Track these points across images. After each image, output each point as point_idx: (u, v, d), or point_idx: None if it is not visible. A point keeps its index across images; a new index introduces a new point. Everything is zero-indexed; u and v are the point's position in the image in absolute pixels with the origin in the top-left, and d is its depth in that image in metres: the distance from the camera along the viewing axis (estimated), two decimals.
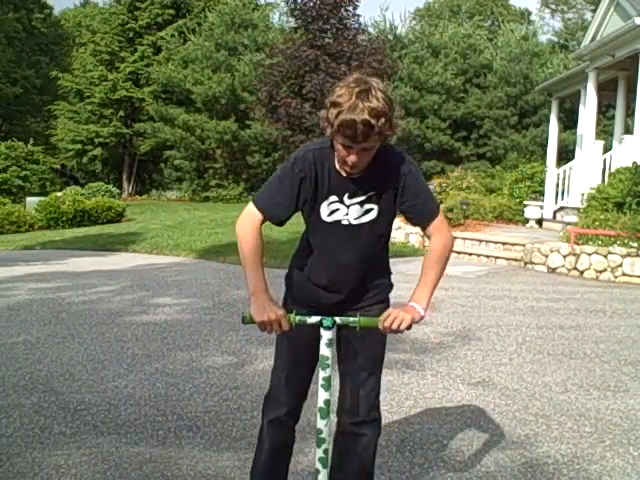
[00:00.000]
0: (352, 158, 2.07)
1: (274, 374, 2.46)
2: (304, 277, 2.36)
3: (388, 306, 2.38)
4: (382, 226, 2.29)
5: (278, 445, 2.45)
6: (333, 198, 2.21)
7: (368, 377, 2.37)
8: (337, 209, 2.22)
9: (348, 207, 2.22)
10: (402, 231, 12.53)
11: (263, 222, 2.24)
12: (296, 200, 2.21)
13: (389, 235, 2.38)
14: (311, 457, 3.16)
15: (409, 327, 2.13)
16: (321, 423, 2.14)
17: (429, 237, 2.30)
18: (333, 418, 2.30)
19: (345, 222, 2.23)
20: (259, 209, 2.23)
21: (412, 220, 2.30)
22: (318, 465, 2.15)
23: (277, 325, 2.10)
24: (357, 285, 2.32)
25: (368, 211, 2.23)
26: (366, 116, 1.97)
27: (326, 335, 2.15)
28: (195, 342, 5.41)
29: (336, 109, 2.01)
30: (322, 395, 2.14)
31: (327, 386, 2.13)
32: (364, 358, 2.36)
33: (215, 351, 5.15)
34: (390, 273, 2.46)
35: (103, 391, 4.17)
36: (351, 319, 2.18)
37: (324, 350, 2.15)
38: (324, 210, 2.23)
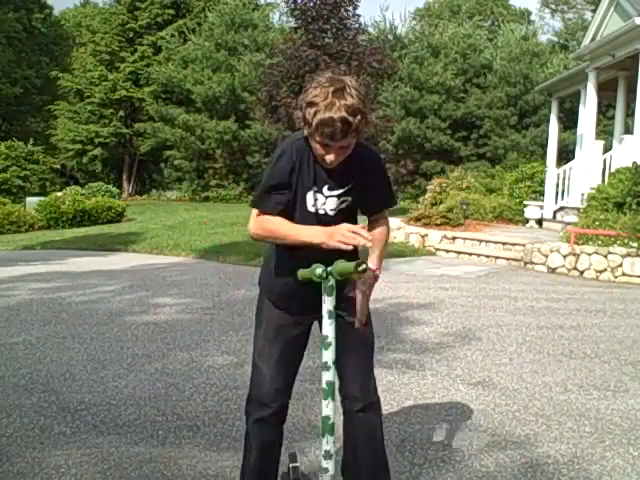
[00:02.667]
0: (330, 157, 2.15)
1: (254, 376, 2.45)
2: (283, 272, 2.39)
3: None
4: (352, 215, 2.39)
5: (266, 444, 2.46)
6: (315, 188, 2.28)
7: (363, 364, 2.42)
8: (317, 199, 2.30)
9: (326, 198, 2.30)
10: (402, 231, 12.52)
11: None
12: (289, 189, 2.26)
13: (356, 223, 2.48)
14: (311, 457, 3.17)
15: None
16: (325, 403, 2.19)
17: (372, 222, 2.43)
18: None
19: (322, 212, 2.31)
20: (260, 210, 2.30)
21: (363, 208, 2.41)
22: (329, 447, 2.19)
23: (345, 235, 2.09)
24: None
25: (343, 202, 2.33)
26: (343, 114, 2.03)
27: (326, 305, 2.17)
28: (195, 342, 5.41)
29: (313, 108, 2.06)
30: (325, 376, 2.19)
31: (329, 367, 2.18)
32: (357, 347, 2.40)
33: (215, 351, 5.15)
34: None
35: (103, 391, 4.17)
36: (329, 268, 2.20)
37: (326, 329, 2.18)
38: (310, 199, 2.29)
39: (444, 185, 15.60)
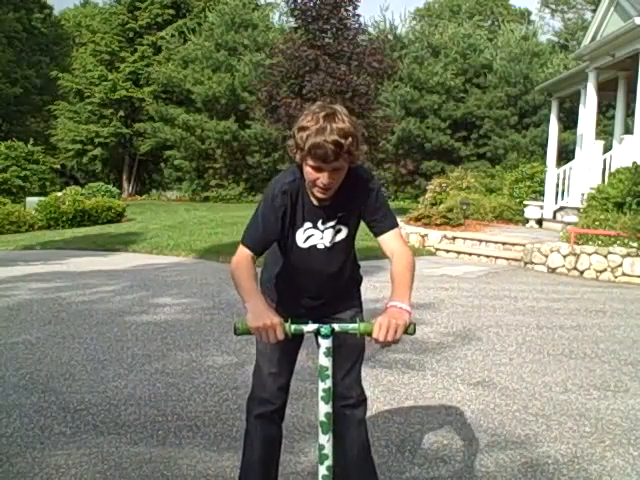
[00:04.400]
0: (324, 180, 2.12)
1: (257, 375, 2.51)
2: (279, 290, 2.44)
3: (360, 305, 2.52)
4: (350, 239, 2.40)
5: (268, 439, 2.50)
6: (308, 225, 2.31)
7: (354, 365, 2.47)
8: (312, 235, 2.32)
9: (322, 232, 2.32)
10: (402, 231, 12.49)
11: (255, 256, 2.30)
12: (281, 231, 2.29)
13: (354, 240, 2.47)
14: (311, 457, 3.16)
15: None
16: (323, 438, 1.95)
17: (386, 248, 2.30)
18: None
19: (321, 246, 2.33)
20: (250, 248, 2.28)
21: (371, 230, 2.37)
22: None
23: (272, 333, 2.00)
24: (332, 292, 2.43)
25: (339, 231, 2.34)
26: (335, 136, 2.05)
27: (324, 344, 1.99)
28: (195, 342, 5.41)
29: (305, 132, 2.08)
30: (323, 408, 1.95)
31: (327, 398, 1.96)
32: (349, 349, 2.42)
33: (215, 351, 5.15)
34: (359, 267, 2.55)
35: (103, 391, 4.17)
36: (350, 326, 2.05)
37: (323, 360, 1.98)
38: (300, 237, 2.32)
39: (444, 185, 15.61)
